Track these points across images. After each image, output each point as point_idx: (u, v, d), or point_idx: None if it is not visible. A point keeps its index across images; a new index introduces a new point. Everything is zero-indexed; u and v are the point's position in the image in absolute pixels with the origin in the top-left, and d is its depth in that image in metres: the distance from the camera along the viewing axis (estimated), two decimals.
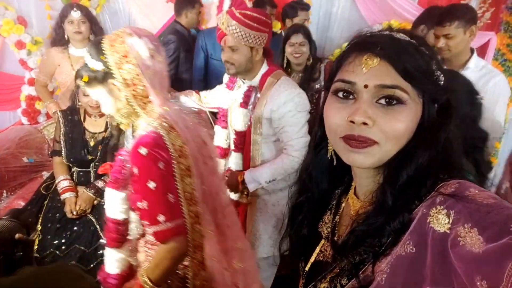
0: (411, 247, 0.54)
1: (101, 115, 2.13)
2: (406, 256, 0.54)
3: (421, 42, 0.61)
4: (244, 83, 1.78)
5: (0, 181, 2.03)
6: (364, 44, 0.61)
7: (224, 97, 1.88)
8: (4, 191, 2.10)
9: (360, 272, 0.60)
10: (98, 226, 1.96)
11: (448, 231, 0.50)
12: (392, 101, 0.57)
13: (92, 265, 1.84)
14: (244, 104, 1.74)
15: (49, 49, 2.62)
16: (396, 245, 0.56)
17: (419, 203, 0.57)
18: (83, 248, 1.87)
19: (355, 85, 0.59)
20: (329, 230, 0.73)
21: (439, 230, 0.51)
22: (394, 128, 0.57)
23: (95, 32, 2.51)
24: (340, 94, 0.61)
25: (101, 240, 1.91)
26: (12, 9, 2.88)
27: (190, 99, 2.04)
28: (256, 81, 1.73)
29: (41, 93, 2.72)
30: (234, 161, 1.84)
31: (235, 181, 1.77)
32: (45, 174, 2.25)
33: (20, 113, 3.17)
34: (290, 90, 1.67)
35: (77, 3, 2.53)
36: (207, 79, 2.80)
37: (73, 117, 2.13)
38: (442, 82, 0.61)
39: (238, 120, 1.77)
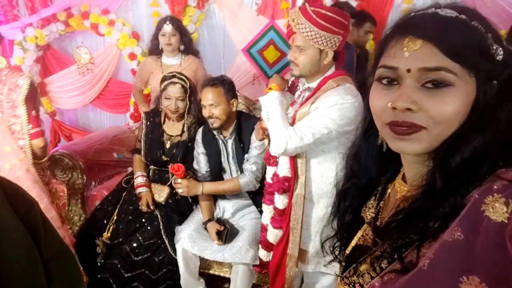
0: (458, 233, 0.50)
1: (179, 119, 2.26)
2: (452, 242, 0.50)
3: (472, 16, 0.56)
4: (303, 85, 1.67)
5: (91, 171, 2.30)
6: (406, 26, 0.59)
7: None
8: (93, 181, 2.37)
9: (403, 255, 0.58)
10: (161, 223, 2.06)
11: (506, 221, 0.47)
12: (439, 83, 0.55)
13: (140, 257, 1.96)
14: (292, 103, 1.65)
15: (146, 57, 2.90)
16: (443, 231, 0.53)
17: (472, 189, 0.53)
18: (140, 239, 1.99)
19: (398, 70, 0.57)
20: (372, 215, 0.72)
21: (495, 220, 0.47)
22: (442, 112, 0.55)
23: (185, 43, 2.69)
24: (384, 81, 0.60)
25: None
26: (128, 25, 3.32)
27: None
28: (315, 83, 1.59)
29: (136, 97, 3.01)
30: (281, 166, 1.70)
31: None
32: (130, 170, 2.47)
33: (128, 116, 3.62)
34: (344, 96, 1.47)
35: (171, 17, 2.74)
36: None
37: (154, 119, 2.30)
38: (501, 57, 0.55)
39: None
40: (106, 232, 2.08)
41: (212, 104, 1.95)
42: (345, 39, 1.54)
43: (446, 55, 0.54)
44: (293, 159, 1.65)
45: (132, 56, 3.38)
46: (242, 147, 2.05)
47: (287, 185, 1.71)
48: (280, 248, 1.75)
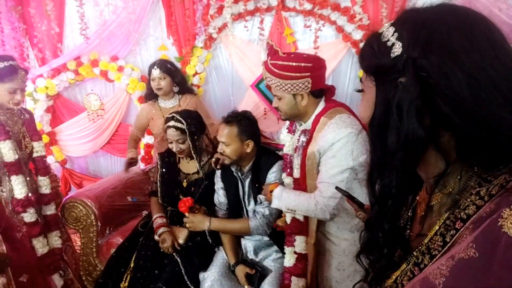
0: (473, 250, 0.47)
1: (191, 157, 2.18)
2: (468, 260, 0.47)
3: (398, 21, 0.61)
4: (300, 125, 1.69)
5: (105, 217, 2.21)
6: None
7: (287, 141, 1.79)
8: (107, 228, 2.27)
9: (419, 273, 0.57)
10: (183, 269, 1.93)
11: None
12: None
13: None
14: (296, 148, 1.64)
15: (143, 104, 2.88)
16: (456, 244, 0.51)
17: (488, 198, 0.50)
18: None
19: None
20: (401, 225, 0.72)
21: None
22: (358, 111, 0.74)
23: (178, 83, 2.67)
24: None
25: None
26: (137, 69, 3.35)
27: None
28: (309, 124, 1.61)
29: (129, 143, 2.84)
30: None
31: (267, 191, 1.69)
32: (145, 213, 2.38)
33: (139, 159, 3.57)
34: (339, 130, 1.47)
35: (159, 60, 2.73)
36: None
37: (169, 159, 2.24)
38: (398, 53, 0.56)
39: (294, 165, 1.67)
40: (123, 281, 1.95)
41: (224, 142, 1.88)
42: (318, 78, 1.56)
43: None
44: None
45: (142, 100, 3.39)
46: (257, 186, 1.95)
47: (293, 227, 1.68)
48: None
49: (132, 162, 2.61)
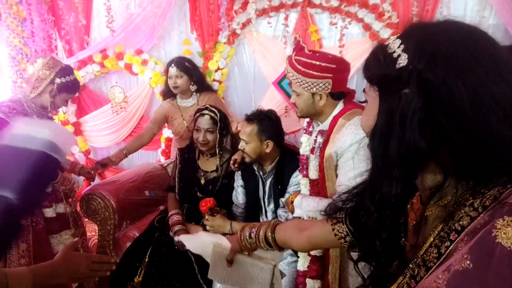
0: (468, 261, 0.47)
1: (213, 155, 2.18)
2: (462, 271, 0.47)
3: (404, 34, 0.61)
4: (317, 126, 1.66)
5: (123, 211, 2.23)
6: None
7: (304, 142, 1.76)
8: (124, 222, 2.29)
9: (415, 286, 0.57)
10: (196, 267, 1.92)
11: None
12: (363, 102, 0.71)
13: None
14: (312, 150, 1.61)
15: (162, 102, 2.83)
16: (451, 256, 0.51)
17: (482, 210, 0.51)
18: (178, 285, 1.85)
19: None
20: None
21: (509, 247, 0.44)
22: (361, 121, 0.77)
23: (196, 81, 2.58)
24: None
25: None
26: (160, 64, 3.36)
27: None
28: (326, 124, 1.58)
29: (134, 139, 2.75)
30: None
31: (289, 202, 1.67)
32: (162, 208, 2.39)
33: (159, 153, 3.61)
34: (358, 131, 1.43)
35: (177, 58, 2.65)
36: None
37: (189, 155, 2.24)
38: (404, 64, 0.57)
39: (310, 166, 1.64)
40: (137, 276, 1.97)
41: (244, 140, 1.89)
42: (339, 80, 1.55)
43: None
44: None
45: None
46: (279, 188, 1.92)
47: None
48: None
49: (105, 164, 2.37)
